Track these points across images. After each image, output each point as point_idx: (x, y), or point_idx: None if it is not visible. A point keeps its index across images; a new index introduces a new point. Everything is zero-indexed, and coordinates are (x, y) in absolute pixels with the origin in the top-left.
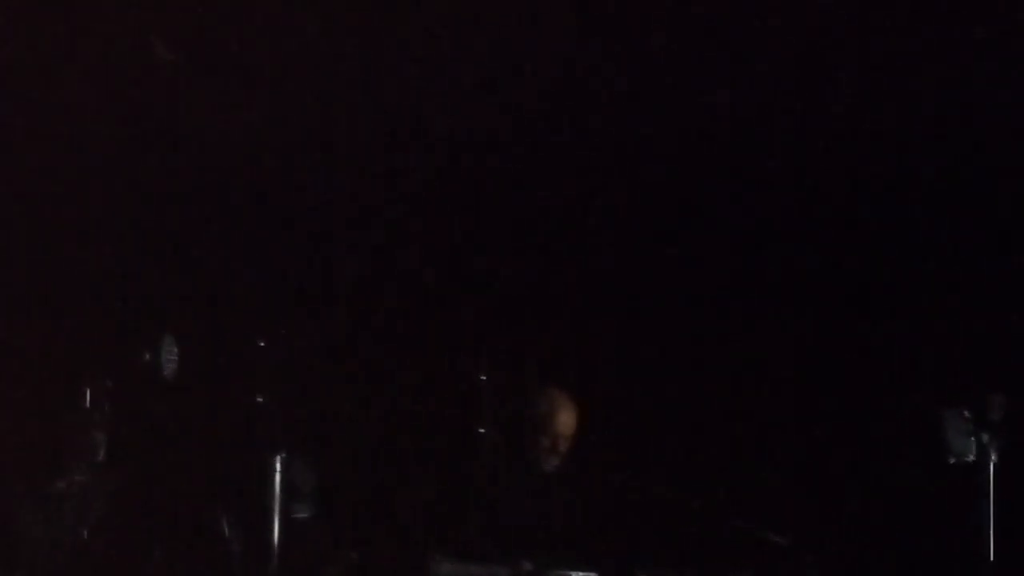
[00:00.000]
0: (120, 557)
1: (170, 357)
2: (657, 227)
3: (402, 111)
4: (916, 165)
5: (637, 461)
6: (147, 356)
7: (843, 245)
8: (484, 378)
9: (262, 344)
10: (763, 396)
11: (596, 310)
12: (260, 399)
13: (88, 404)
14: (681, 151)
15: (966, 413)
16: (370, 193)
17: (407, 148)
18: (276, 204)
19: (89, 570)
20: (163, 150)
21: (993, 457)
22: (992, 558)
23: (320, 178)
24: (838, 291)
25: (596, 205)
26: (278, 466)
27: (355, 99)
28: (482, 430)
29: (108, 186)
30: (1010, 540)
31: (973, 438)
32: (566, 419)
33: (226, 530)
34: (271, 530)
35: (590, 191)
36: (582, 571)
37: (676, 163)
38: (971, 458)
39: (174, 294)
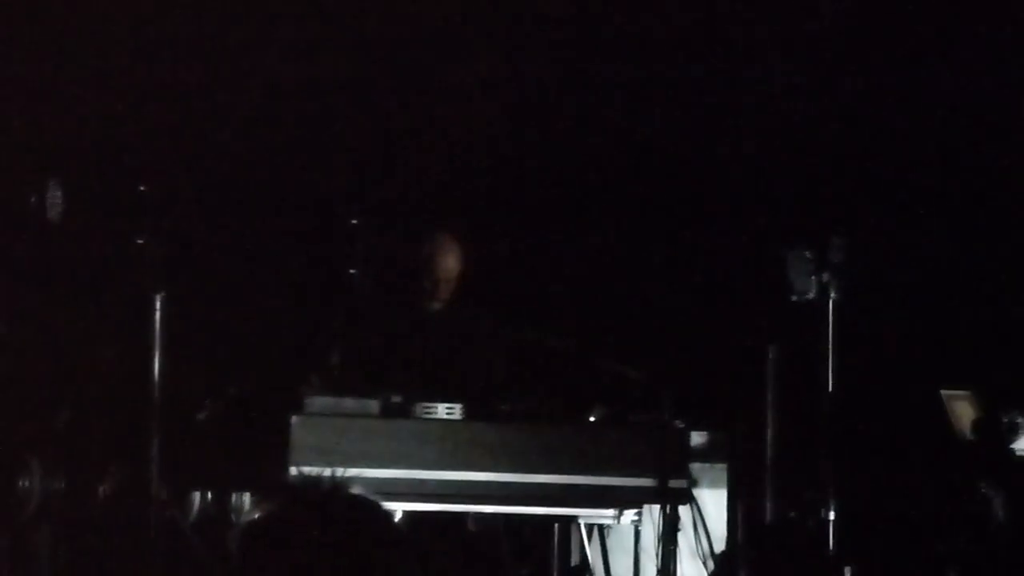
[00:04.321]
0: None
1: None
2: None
3: None
4: None
5: (506, 305)
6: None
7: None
8: (355, 222)
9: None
10: (624, 244)
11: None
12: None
13: None
14: None
15: (808, 254)
16: None
17: None
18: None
19: None
20: None
21: (832, 295)
22: (830, 389)
23: None
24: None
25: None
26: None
27: None
28: (353, 271)
29: None
30: (848, 372)
31: (814, 277)
32: (448, 262)
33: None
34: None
35: None
36: (447, 403)
37: None
38: (811, 296)
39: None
